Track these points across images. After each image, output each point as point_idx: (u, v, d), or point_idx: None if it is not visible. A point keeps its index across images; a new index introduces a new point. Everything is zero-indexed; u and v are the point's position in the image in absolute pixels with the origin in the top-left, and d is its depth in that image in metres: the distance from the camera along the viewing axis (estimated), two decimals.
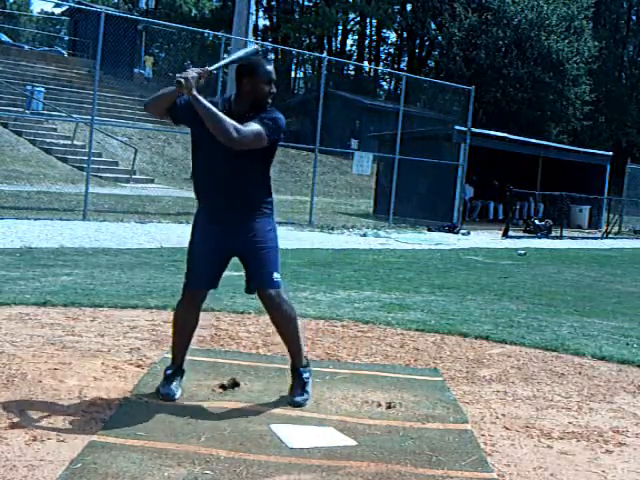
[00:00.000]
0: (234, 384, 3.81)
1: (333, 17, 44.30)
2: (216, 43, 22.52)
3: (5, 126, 21.78)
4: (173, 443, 3.04)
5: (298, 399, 3.68)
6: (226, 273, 3.71)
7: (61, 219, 12.49)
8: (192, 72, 3.37)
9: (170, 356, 3.82)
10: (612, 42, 43.10)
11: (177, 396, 3.62)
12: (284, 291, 3.69)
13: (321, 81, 17.72)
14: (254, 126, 3.40)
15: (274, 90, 3.54)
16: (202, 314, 5.39)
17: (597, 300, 8.01)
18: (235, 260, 3.69)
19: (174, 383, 3.66)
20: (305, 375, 3.77)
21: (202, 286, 3.68)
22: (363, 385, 4.04)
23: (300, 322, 3.82)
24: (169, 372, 3.71)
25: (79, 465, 2.76)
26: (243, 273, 3.70)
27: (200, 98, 3.38)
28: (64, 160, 20.99)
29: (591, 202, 21.97)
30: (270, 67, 3.54)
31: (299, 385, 3.74)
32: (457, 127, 19.38)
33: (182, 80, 3.33)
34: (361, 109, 33.95)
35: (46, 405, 3.38)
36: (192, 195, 3.68)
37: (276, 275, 3.63)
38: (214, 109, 3.37)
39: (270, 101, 3.54)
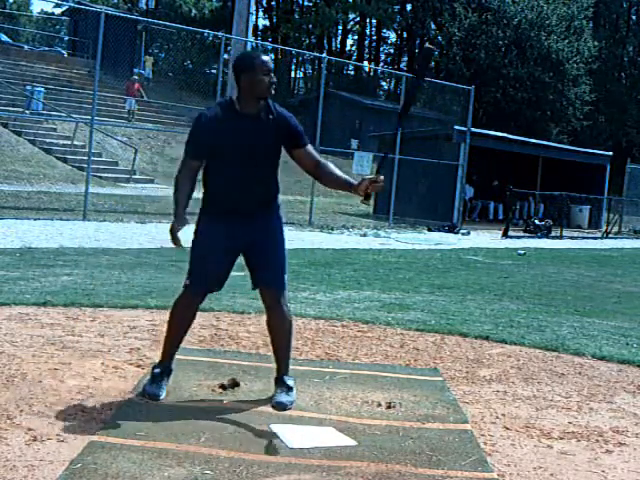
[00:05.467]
0: (234, 384, 3.81)
1: (333, 17, 44.31)
2: (216, 43, 22.52)
3: (5, 126, 21.77)
4: (173, 443, 3.04)
5: (282, 399, 3.58)
6: None
7: (61, 219, 12.49)
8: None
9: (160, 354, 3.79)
10: (612, 42, 43.10)
11: (162, 397, 3.56)
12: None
13: (321, 81, 17.72)
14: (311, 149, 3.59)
15: (274, 80, 3.47)
16: (202, 314, 5.39)
17: (597, 300, 8.01)
18: (238, 259, 3.66)
19: (161, 383, 3.61)
20: (290, 382, 3.68)
21: (208, 288, 3.62)
22: (363, 385, 4.04)
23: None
24: (157, 371, 3.64)
25: (79, 465, 2.76)
26: (244, 273, 3.69)
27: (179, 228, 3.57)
28: (64, 160, 20.98)
29: (591, 202, 21.98)
30: (265, 57, 3.49)
31: (284, 388, 3.65)
32: (457, 127, 19.38)
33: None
34: (361, 109, 33.96)
35: (46, 405, 3.38)
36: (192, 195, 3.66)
37: (286, 277, 3.63)
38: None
39: (273, 92, 3.48)
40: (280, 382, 3.68)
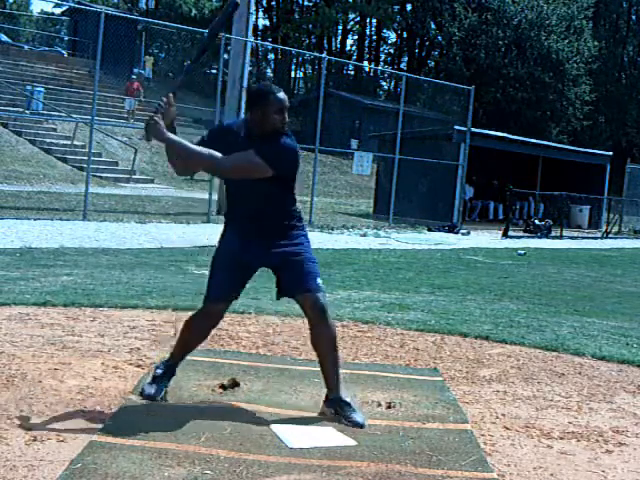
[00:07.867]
0: (234, 384, 3.81)
1: (333, 17, 44.28)
2: (216, 43, 22.49)
3: (5, 126, 21.78)
4: (173, 443, 3.04)
5: (358, 419, 3.43)
6: None
7: (61, 219, 12.49)
8: (155, 117, 3.33)
9: (167, 355, 3.78)
10: (612, 42, 43.09)
11: (158, 398, 3.54)
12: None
13: (321, 81, 17.72)
14: (241, 156, 3.35)
15: (286, 118, 3.42)
16: None
17: (597, 300, 8.01)
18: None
19: (161, 384, 3.59)
20: (348, 400, 3.51)
21: (224, 299, 3.56)
22: (363, 385, 4.04)
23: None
24: (159, 372, 3.62)
25: (79, 465, 2.76)
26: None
27: (170, 137, 3.36)
28: (64, 160, 20.99)
29: (591, 202, 21.97)
30: (281, 95, 3.42)
31: (350, 408, 3.47)
32: (457, 127, 19.38)
33: (146, 132, 3.36)
34: (361, 109, 33.95)
35: (46, 405, 3.38)
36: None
37: (320, 280, 3.52)
38: (185, 143, 3.38)
39: (282, 129, 3.43)
40: (341, 404, 3.49)
